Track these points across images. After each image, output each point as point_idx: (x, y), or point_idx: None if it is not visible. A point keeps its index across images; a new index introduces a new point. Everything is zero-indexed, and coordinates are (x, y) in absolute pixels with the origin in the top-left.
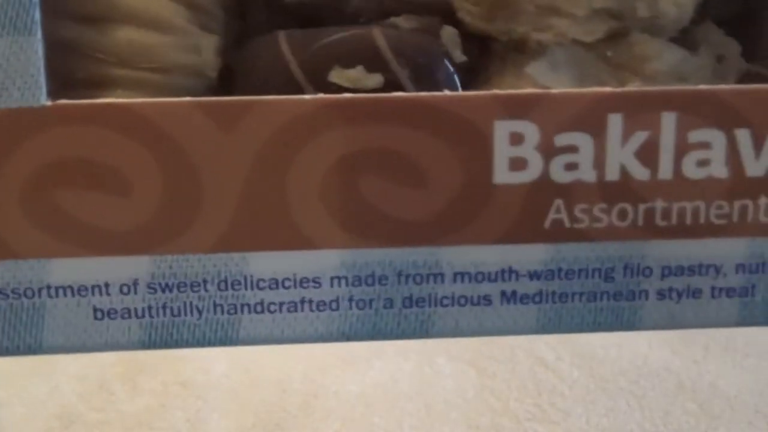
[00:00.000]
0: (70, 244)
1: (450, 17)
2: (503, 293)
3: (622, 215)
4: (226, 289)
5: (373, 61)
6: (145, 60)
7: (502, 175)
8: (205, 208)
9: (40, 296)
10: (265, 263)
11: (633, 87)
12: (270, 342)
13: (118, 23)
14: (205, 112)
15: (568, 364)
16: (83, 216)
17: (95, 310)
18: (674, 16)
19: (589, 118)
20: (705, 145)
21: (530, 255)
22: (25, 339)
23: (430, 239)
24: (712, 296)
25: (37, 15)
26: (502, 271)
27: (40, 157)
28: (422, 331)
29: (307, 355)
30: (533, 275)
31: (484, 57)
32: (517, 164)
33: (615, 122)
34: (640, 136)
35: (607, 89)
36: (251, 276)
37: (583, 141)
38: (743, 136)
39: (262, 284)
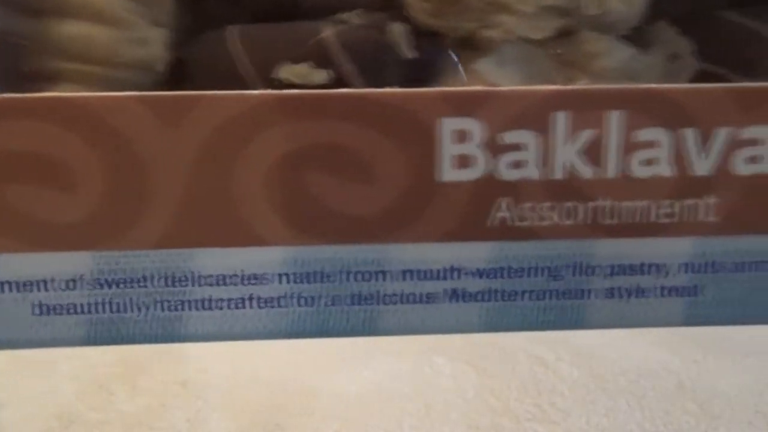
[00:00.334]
0: (12, 239)
1: (401, 13)
2: (449, 291)
3: (569, 214)
4: (171, 285)
5: (320, 57)
6: (92, 54)
7: (447, 172)
8: (150, 203)
9: None
10: (211, 260)
11: (579, 85)
12: (216, 339)
13: (65, 17)
14: (150, 107)
15: (568, 364)
16: (26, 211)
17: (38, 305)
18: (623, 13)
19: (535, 116)
20: (651, 144)
21: (476, 253)
22: None
23: (376, 236)
24: (659, 295)
25: None
26: (447, 269)
27: None
28: (369, 328)
29: (307, 355)
30: (479, 273)
31: (435, 53)
32: (463, 162)
33: (561, 120)
34: (586, 135)
35: (553, 87)
36: (196, 272)
37: (528, 139)
38: (689, 135)
39: (207, 281)
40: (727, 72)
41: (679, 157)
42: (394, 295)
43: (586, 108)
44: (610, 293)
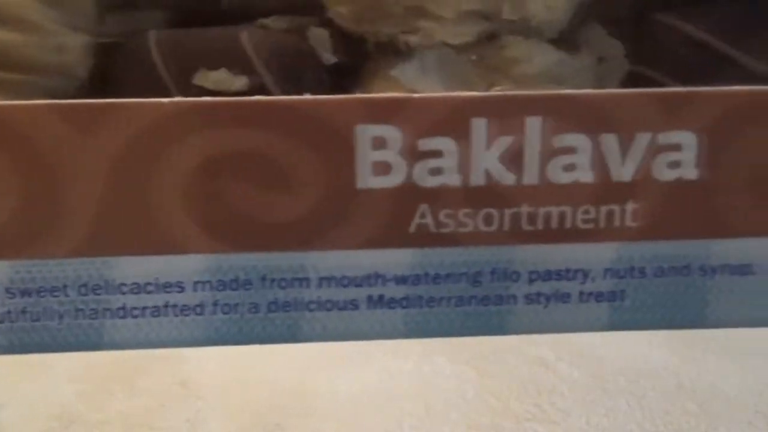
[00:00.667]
0: None
1: (323, 18)
2: (370, 298)
3: (488, 220)
4: (88, 294)
5: (238, 63)
6: (8, 60)
7: (365, 179)
8: (65, 212)
9: None
10: (128, 268)
11: (496, 91)
12: (135, 346)
13: None
14: (63, 116)
15: (568, 364)
16: None
17: None
18: (545, 17)
19: (453, 122)
20: (571, 150)
21: (396, 260)
22: None
23: (295, 244)
24: (581, 301)
25: None
26: (369, 276)
27: None
28: (290, 335)
29: (307, 355)
30: (400, 280)
31: (360, 58)
32: (381, 169)
33: (479, 127)
34: (505, 141)
35: (471, 93)
36: (114, 281)
37: (447, 145)
38: (609, 140)
39: (124, 289)
40: (658, 74)
41: (600, 163)
42: (316, 302)
43: (506, 114)
44: (533, 299)
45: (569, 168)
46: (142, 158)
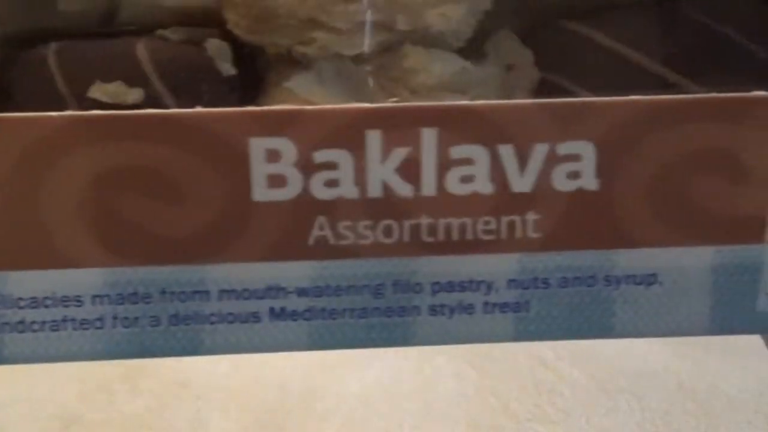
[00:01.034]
0: None
1: (222, 29)
2: (272, 310)
3: (388, 232)
4: None
5: (133, 76)
6: None
7: (261, 192)
8: None
9: None
10: (25, 282)
11: (391, 102)
12: (36, 360)
13: None
14: None
15: (568, 364)
16: None
17: None
18: (442, 27)
19: (347, 134)
20: (468, 161)
21: (296, 272)
22: None
23: (193, 257)
24: (486, 312)
25: None
26: (270, 288)
27: None
28: (192, 348)
29: (308, 355)
30: (301, 292)
31: (261, 70)
32: (276, 181)
33: (374, 139)
34: (401, 153)
35: (364, 105)
36: (11, 295)
37: (342, 158)
38: (506, 151)
39: (22, 303)
40: (567, 82)
41: (499, 174)
42: (217, 315)
43: (400, 126)
44: (437, 310)
45: (467, 179)
46: (34, 172)
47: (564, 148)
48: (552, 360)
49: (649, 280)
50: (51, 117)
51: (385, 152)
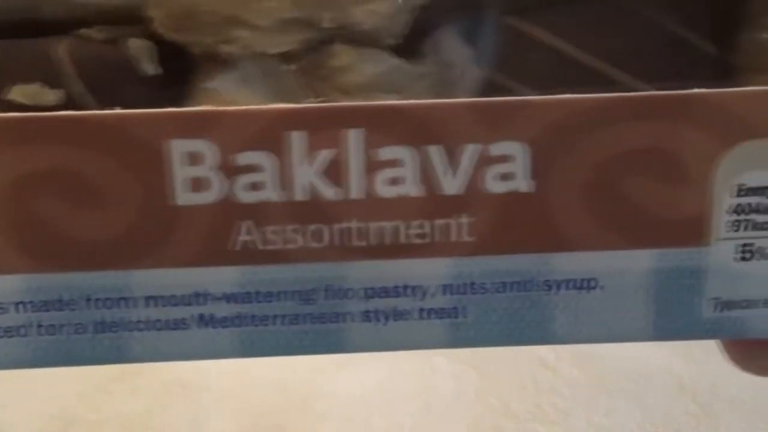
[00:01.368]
0: None
1: (147, 28)
2: (201, 317)
3: (317, 236)
4: None
5: (54, 76)
6: None
7: (183, 196)
8: None
9: None
10: None
11: (315, 102)
12: None
13: None
14: None
15: (568, 364)
16: None
17: None
18: (371, 24)
19: (270, 136)
20: (396, 163)
21: (223, 278)
22: None
23: (116, 263)
24: (421, 318)
25: None
26: (197, 295)
27: None
28: (119, 355)
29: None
30: (230, 298)
31: (186, 69)
32: (199, 185)
33: (297, 140)
34: (326, 154)
35: (287, 105)
36: None
37: (265, 160)
38: (436, 153)
39: None
40: (508, 79)
41: (429, 176)
42: (144, 321)
43: (323, 126)
44: (370, 316)
45: (396, 181)
46: None
47: (496, 149)
48: (552, 360)
49: (589, 284)
50: None
51: (310, 154)
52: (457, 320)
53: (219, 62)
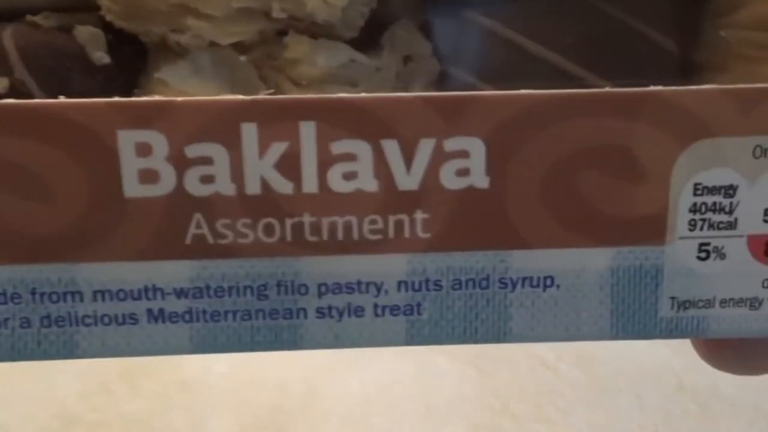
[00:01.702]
0: None
1: (98, 15)
2: (150, 311)
3: (269, 230)
4: None
5: None
6: None
7: (132, 188)
8: None
9: None
10: None
11: (266, 94)
12: None
13: None
14: None
15: (568, 364)
16: None
17: None
18: (325, 17)
19: (221, 128)
20: (350, 157)
21: (174, 272)
22: None
23: (63, 256)
24: (376, 315)
25: None
26: (146, 289)
27: None
28: (66, 351)
29: (308, 355)
30: (180, 293)
31: (140, 59)
32: (148, 177)
33: (249, 132)
34: (279, 147)
35: (239, 97)
36: None
37: (216, 152)
38: (391, 147)
39: None
40: (466, 73)
41: (384, 171)
42: (91, 316)
43: (277, 119)
44: (324, 313)
45: (350, 176)
46: None
47: (451, 144)
48: (552, 360)
49: (546, 282)
50: None
51: (263, 147)
52: (413, 317)
53: (170, 52)
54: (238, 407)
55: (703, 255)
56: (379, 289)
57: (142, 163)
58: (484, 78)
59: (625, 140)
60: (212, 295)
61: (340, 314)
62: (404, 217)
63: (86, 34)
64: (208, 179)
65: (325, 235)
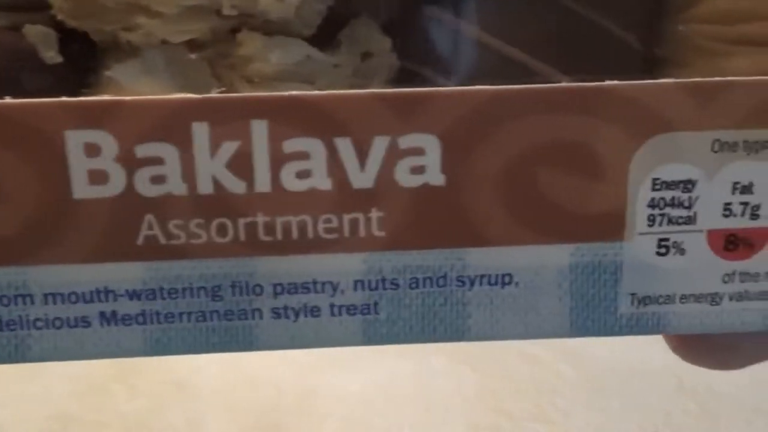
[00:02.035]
0: None
1: (49, 14)
2: (103, 314)
3: (222, 231)
4: None
5: None
6: None
7: (81, 189)
8: None
9: None
10: None
11: (218, 93)
12: None
13: None
14: None
15: (567, 364)
16: None
17: None
18: (279, 14)
19: (172, 127)
20: (303, 155)
21: (126, 274)
22: None
23: (13, 258)
24: (333, 314)
25: None
26: (98, 291)
27: None
28: (18, 355)
29: (306, 355)
30: (133, 295)
31: (93, 58)
32: (97, 177)
33: (200, 131)
34: (230, 147)
35: (189, 96)
36: None
37: (167, 152)
38: (344, 145)
39: None
40: (427, 70)
41: (335, 169)
42: (43, 319)
43: (228, 118)
44: (280, 313)
45: (304, 175)
46: None
47: (406, 142)
48: (552, 360)
49: (504, 280)
50: None
51: (214, 146)
52: (370, 317)
53: (122, 51)
54: (235, 407)
55: (662, 250)
56: (335, 289)
57: (91, 164)
58: (446, 75)
59: (582, 136)
60: (166, 297)
61: (296, 314)
62: (360, 216)
63: (37, 33)
64: (159, 179)
65: (279, 235)
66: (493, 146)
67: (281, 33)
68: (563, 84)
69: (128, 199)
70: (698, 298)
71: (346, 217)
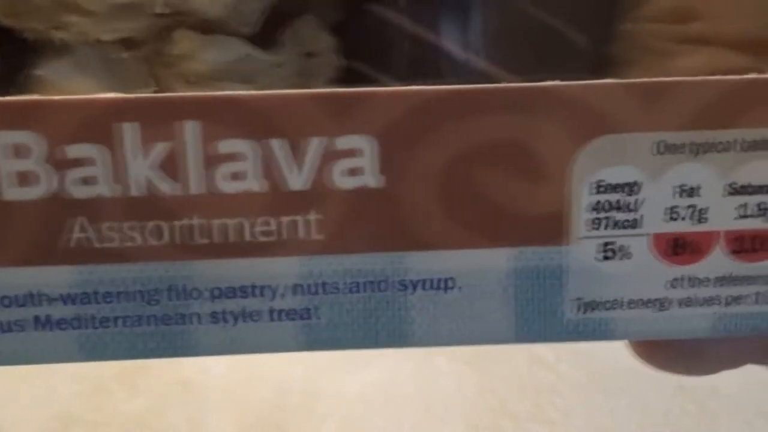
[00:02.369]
0: None
1: None
2: (37, 318)
3: (156, 233)
4: None
5: None
6: None
7: (11, 191)
8: None
9: None
10: None
11: (147, 92)
12: None
13: None
14: None
15: (568, 364)
16: None
17: None
18: (215, 13)
19: (101, 127)
20: (237, 157)
21: (58, 277)
22: None
23: None
24: (272, 319)
25: None
26: (31, 295)
27: None
28: None
29: (307, 355)
30: (67, 299)
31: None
32: (26, 179)
33: (131, 132)
34: (162, 147)
35: (118, 95)
36: None
37: (97, 153)
38: (279, 146)
39: None
40: (370, 68)
41: (270, 171)
42: None
43: (160, 118)
44: (218, 318)
45: (238, 176)
46: None
47: (342, 143)
48: (552, 360)
49: (446, 284)
50: None
51: (145, 147)
52: (310, 321)
53: (54, 49)
54: (237, 407)
55: (608, 254)
56: (274, 293)
57: (20, 165)
58: (388, 73)
59: (521, 136)
60: (100, 301)
61: (235, 319)
62: (297, 218)
63: None
64: (90, 180)
65: (215, 238)
66: (433, 147)
67: (219, 32)
68: (503, 84)
69: (58, 201)
70: (646, 303)
71: (284, 220)
